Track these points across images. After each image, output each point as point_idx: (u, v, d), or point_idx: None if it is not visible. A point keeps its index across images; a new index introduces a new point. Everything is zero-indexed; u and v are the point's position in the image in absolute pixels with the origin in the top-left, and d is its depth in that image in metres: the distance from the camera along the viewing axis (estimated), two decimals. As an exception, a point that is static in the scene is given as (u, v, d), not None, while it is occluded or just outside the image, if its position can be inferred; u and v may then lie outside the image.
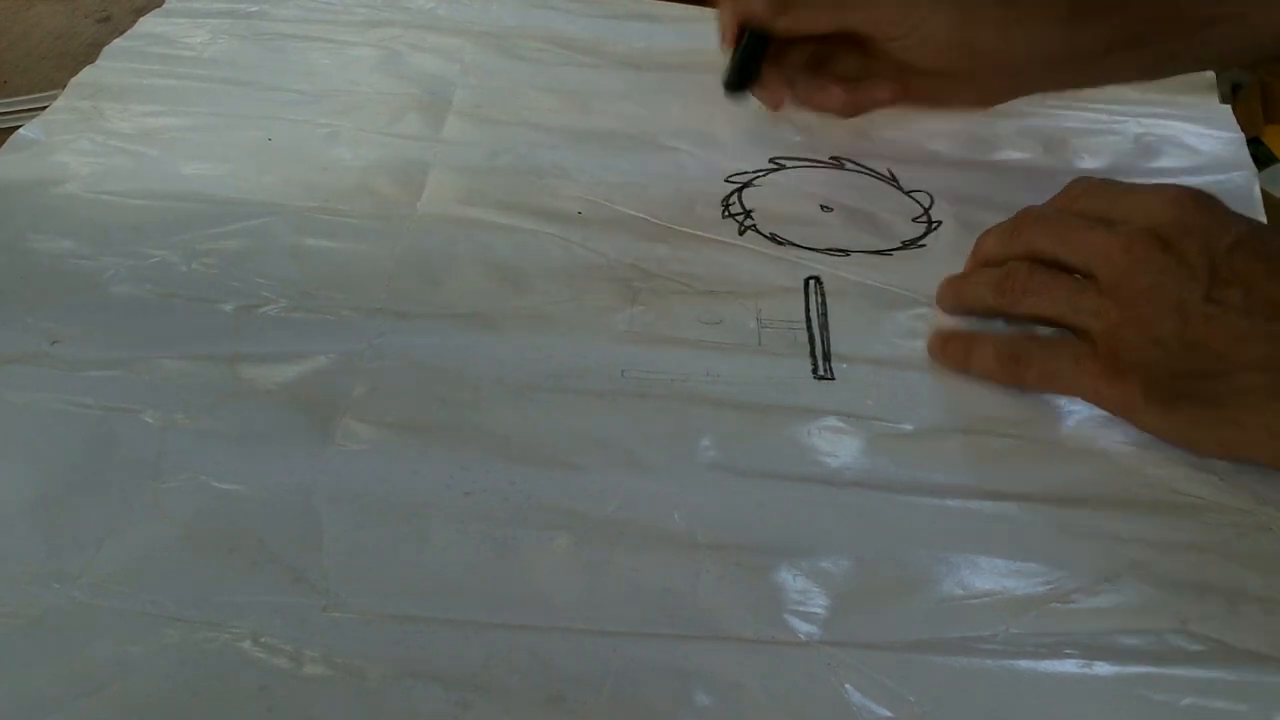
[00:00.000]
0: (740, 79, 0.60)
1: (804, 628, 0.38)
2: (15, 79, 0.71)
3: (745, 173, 0.63)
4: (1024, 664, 0.38)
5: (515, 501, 0.43)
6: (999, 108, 0.66)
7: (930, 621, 0.39)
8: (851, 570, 0.41)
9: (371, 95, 0.68)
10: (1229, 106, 0.71)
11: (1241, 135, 0.68)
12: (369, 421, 0.45)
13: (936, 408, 0.48)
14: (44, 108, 0.65)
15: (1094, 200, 0.47)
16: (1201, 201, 0.45)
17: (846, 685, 0.37)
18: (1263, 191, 0.63)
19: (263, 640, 0.37)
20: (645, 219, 0.59)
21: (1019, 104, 0.70)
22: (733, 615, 0.39)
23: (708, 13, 0.80)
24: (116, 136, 0.63)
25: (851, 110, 0.62)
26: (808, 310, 0.53)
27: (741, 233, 0.58)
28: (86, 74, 0.68)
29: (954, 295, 0.52)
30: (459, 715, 0.35)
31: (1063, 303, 0.46)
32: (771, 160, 0.64)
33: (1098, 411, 0.48)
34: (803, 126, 0.68)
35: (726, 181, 0.62)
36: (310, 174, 0.61)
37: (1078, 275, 0.46)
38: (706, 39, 0.76)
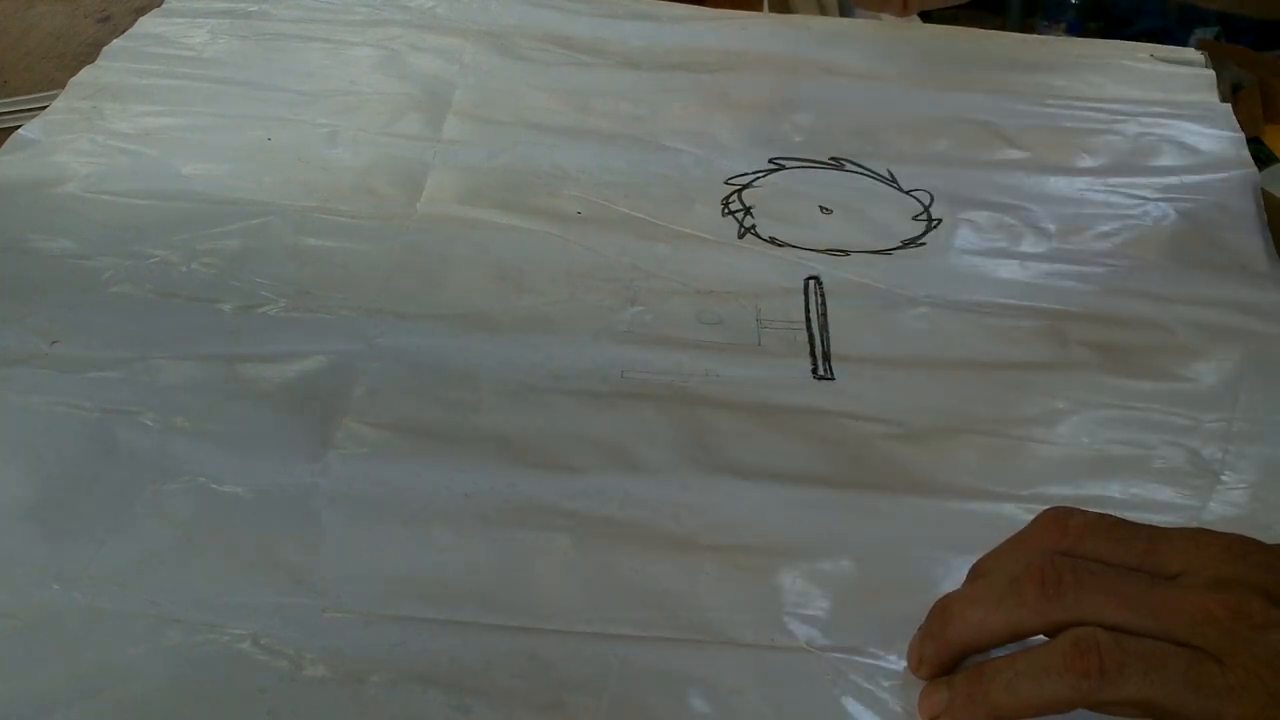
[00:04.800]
0: None
1: (803, 631, 0.38)
2: (15, 79, 0.71)
3: (745, 174, 0.63)
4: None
5: (515, 503, 0.43)
6: (999, 105, 0.66)
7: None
8: (851, 571, 0.41)
9: (371, 95, 0.68)
10: (1229, 106, 0.71)
11: (1241, 135, 0.68)
12: (368, 423, 0.45)
13: (936, 408, 0.48)
14: (44, 108, 0.65)
15: (1118, 547, 0.36)
16: (1253, 543, 0.36)
17: (845, 694, 0.37)
18: (1263, 191, 0.63)
19: (262, 642, 0.37)
20: (645, 219, 0.59)
21: (1018, 103, 0.70)
22: (732, 618, 0.39)
23: (708, 12, 0.80)
24: (116, 136, 0.63)
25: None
26: (808, 310, 0.53)
27: (741, 235, 0.58)
28: (86, 74, 0.68)
29: (971, 702, 0.35)
30: None
31: (1178, 681, 0.33)
32: (771, 161, 0.64)
33: (1097, 411, 0.48)
34: (803, 127, 0.68)
35: (727, 184, 0.62)
36: (310, 174, 0.61)
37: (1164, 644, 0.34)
38: (706, 39, 0.76)
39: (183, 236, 0.55)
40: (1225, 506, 0.44)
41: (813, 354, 0.51)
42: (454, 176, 0.61)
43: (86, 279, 0.52)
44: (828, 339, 0.52)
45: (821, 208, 0.61)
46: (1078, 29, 2.05)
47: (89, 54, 0.71)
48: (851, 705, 0.36)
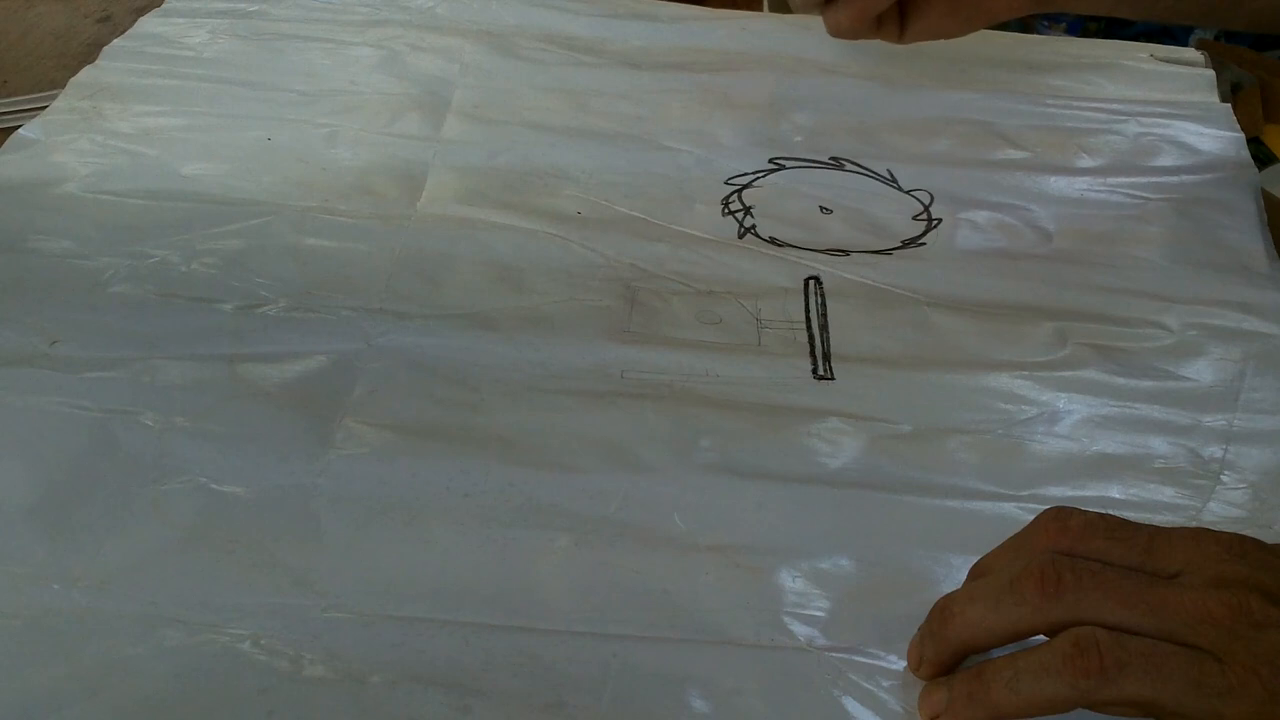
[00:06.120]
0: None
1: (803, 631, 0.38)
2: (15, 79, 0.71)
3: (745, 174, 0.63)
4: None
5: (515, 503, 0.43)
6: (999, 105, 0.66)
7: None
8: (851, 571, 0.41)
9: (371, 95, 0.68)
10: (1229, 106, 0.71)
11: (1241, 135, 0.68)
12: (368, 423, 0.45)
13: (936, 408, 0.48)
14: (44, 108, 0.65)
15: (1118, 546, 0.35)
16: (1253, 542, 0.36)
17: (845, 694, 0.37)
18: (1263, 191, 0.63)
19: (262, 642, 0.37)
20: (645, 219, 0.59)
21: (1018, 103, 0.70)
22: (732, 618, 0.39)
23: (708, 12, 0.80)
24: (116, 136, 0.63)
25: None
26: (808, 310, 0.53)
27: (741, 235, 0.58)
28: (86, 74, 0.68)
29: (971, 701, 0.35)
30: None
31: (1179, 680, 0.32)
32: (771, 160, 0.64)
33: (1097, 411, 0.48)
34: (803, 127, 0.68)
35: (727, 184, 0.62)
36: (310, 174, 0.61)
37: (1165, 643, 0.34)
38: (706, 39, 0.76)
39: (183, 236, 0.55)
40: (1225, 506, 0.44)
41: (813, 354, 0.51)
42: (454, 176, 0.61)
43: (86, 279, 0.52)
44: (828, 339, 0.52)
45: (821, 208, 0.61)
46: (1078, 29, 2.05)
47: (89, 54, 0.71)
48: (851, 705, 0.36)
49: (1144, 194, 0.63)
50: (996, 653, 0.35)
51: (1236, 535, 0.35)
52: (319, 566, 0.40)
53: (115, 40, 0.72)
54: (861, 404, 0.48)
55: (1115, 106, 0.70)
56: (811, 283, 0.55)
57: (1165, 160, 0.66)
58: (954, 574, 0.40)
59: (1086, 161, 0.66)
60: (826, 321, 0.53)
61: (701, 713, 0.36)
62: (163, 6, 0.77)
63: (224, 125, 0.64)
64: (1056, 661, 0.33)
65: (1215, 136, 0.68)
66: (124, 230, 0.55)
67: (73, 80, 0.68)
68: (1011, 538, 0.37)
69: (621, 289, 0.54)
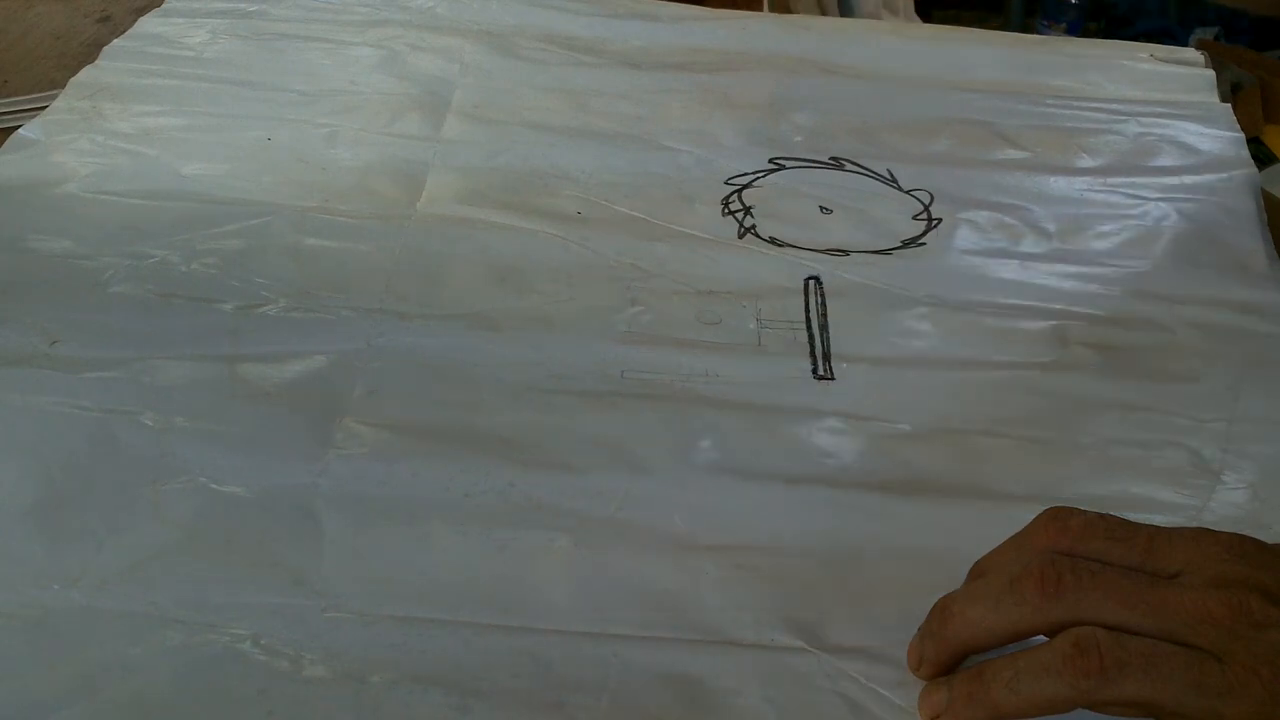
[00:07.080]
0: None
1: (803, 631, 0.38)
2: (15, 79, 0.71)
3: (745, 174, 0.63)
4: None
5: (515, 503, 0.43)
6: (999, 105, 0.66)
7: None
8: (852, 571, 0.41)
9: (371, 95, 0.68)
10: (1229, 106, 0.71)
11: (1241, 135, 0.68)
12: (368, 423, 0.45)
13: (936, 408, 0.48)
14: (44, 108, 0.65)
15: (1118, 546, 0.35)
16: (1253, 542, 0.35)
17: (844, 694, 0.37)
18: (1263, 191, 0.63)
19: (262, 642, 0.37)
20: (645, 219, 0.59)
21: (1018, 103, 0.70)
22: (733, 618, 0.39)
23: (708, 12, 0.80)
24: (116, 136, 0.63)
25: None
26: (808, 310, 0.53)
27: (741, 235, 0.58)
28: (86, 74, 0.68)
29: (971, 701, 0.35)
30: None
31: (1179, 680, 0.32)
32: (771, 160, 0.64)
33: (1097, 412, 0.48)
34: (803, 127, 0.68)
35: (727, 184, 0.62)
36: (310, 174, 0.61)
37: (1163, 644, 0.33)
38: (706, 39, 0.76)
39: (183, 236, 0.55)
40: (1225, 506, 0.44)
41: (813, 354, 0.51)
42: (454, 176, 0.61)
43: (86, 279, 0.52)
44: (828, 339, 0.52)
45: (821, 208, 0.61)
46: (1078, 29, 2.05)
47: (89, 54, 0.71)
48: (851, 705, 0.36)
49: (1144, 194, 0.63)
50: (997, 653, 0.35)
51: (1236, 535, 0.35)
52: (319, 566, 0.40)
53: (115, 40, 0.72)
54: (861, 404, 0.48)
55: (1115, 106, 0.70)
56: (811, 283, 0.55)
57: (1165, 160, 0.66)
58: (954, 574, 0.40)
59: (1086, 161, 0.66)
60: (826, 321, 0.53)
61: (702, 713, 0.36)
62: (163, 6, 0.77)
63: (224, 125, 0.64)
64: (1056, 661, 0.33)
65: (1215, 136, 0.68)
66: (124, 230, 0.55)
67: (73, 80, 0.68)
68: (1011, 538, 0.37)
69: (622, 289, 0.54)
